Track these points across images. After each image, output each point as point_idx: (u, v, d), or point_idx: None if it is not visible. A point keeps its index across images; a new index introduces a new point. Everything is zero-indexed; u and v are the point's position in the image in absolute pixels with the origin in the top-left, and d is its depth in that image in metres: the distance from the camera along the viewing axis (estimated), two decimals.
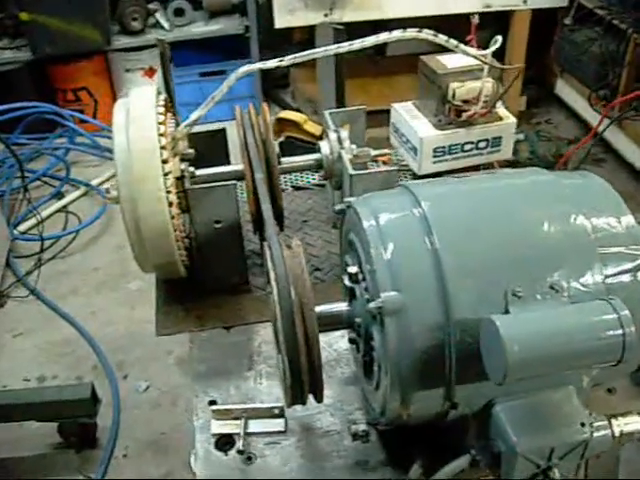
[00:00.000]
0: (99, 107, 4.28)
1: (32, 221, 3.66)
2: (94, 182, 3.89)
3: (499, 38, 1.86)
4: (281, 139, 2.48)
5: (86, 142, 4.10)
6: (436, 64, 2.17)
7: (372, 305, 1.21)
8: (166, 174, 1.73)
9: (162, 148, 1.78)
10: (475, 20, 2.14)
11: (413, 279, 1.22)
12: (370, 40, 1.77)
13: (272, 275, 1.28)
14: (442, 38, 1.72)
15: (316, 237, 2.26)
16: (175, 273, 1.92)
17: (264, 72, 4.24)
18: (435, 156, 2.19)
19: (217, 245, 1.91)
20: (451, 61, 2.18)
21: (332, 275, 2.11)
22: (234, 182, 1.87)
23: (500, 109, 2.19)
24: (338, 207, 1.51)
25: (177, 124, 1.95)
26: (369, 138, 4.32)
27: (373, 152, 2.04)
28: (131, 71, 4.28)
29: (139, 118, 1.83)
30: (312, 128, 2.45)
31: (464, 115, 2.15)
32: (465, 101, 2.15)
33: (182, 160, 1.89)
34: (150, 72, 4.25)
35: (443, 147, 2.18)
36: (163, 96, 1.97)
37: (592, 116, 3.63)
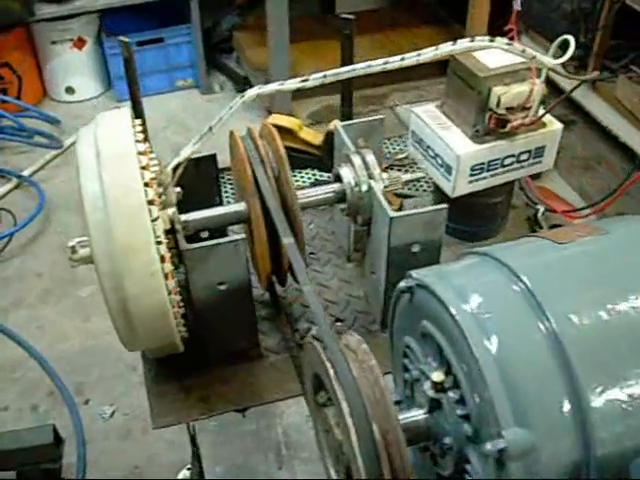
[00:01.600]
0: (24, 85, 3.77)
1: None
2: (26, 172, 3.38)
3: (570, 40, 1.48)
4: None
5: (12, 125, 3.56)
6: (474, 63, 1.76)
7: (489, 447, 0.92)
8: (158, 240, 1.31)
9: (150, 203, 1.34)
10: (517, 5, 1.73)
11: (540, 399, 0.95)
12: (427, 55, 1.37)
13: (340, 406, 0.99)
14: (517, 48, 1.32)
15: (329, 276, 1.88)
16: (172, 351, 1.52)
17: (205, 35, 3.78)
18: (472, 174, 1.80)
19: (221, 310, 1.55)
20: (492, 59, 1.77)
21: (358, 327, 1.74)
22: (242, 237, 1.46)
23: (541, 111, 1.80)
24: (402, 284, 1.19)
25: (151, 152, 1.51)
26: (324, 106, 3.91)
27: (405, 176, 1.64)
28: (58, 43, 3.80)
29: (115, 160, 1.39)
30: (309, 136, 2.05)
31: (508, 126, 1.76)
32: (509, 108, 1.75)
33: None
34: (79, 43, 3.76)
35: (482, 164, 1.79)
36: (138, 122, 1.52)
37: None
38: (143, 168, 1.41)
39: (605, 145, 3.35)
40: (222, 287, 1.52)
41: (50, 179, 3.46)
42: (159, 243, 1.38)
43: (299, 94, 3.73)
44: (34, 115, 3.63)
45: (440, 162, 1.82)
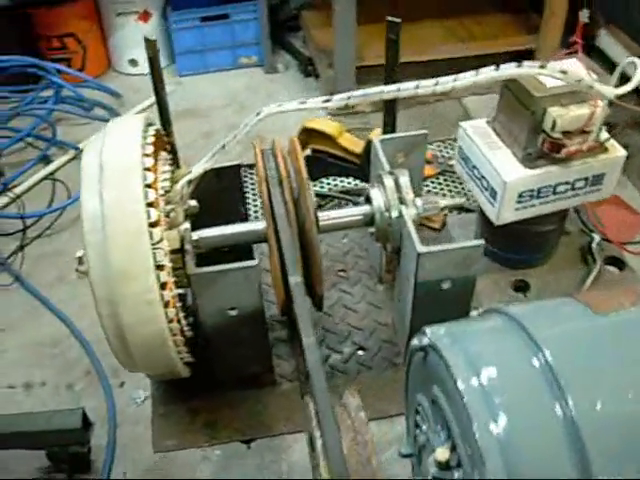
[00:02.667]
0: (88, 55, 3.70)
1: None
2: (82, 145, 3.32)
3: (637, 61, 1.31)
4: (307, 152, 1.96)
5: (72, 96, 3.52)
6: (530, 80, 1.58)
7: None
8: (159, 265, 1.22)
9: (154, 225, 1.25)
10: (584, 17, 1.55)
11: None
12: (465, 80, 1.22)
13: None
14: (572, 76, 1.17)
15: (358, 297, 1.77)
16: (174, 376, 1.45)
17: (272, 13, 3.66)
18: (520, 201, 1.65)
19: (231, 335, 1.46)
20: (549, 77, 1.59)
21: (381, 358, 1.64)
22: (254, 264, 1.35)
23: (604, 135, 1.62)
24: (415, 342, 1.12)
25: (175, 163, 1.41)
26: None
27: (443, 202, 1.50)
28: (123, 15, 3.70)
29: (118, 177, 1.30)
30: (349, 142, 1.93)
31: (563, 151, 1.58)
32: (566, 132, 1.58)
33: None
34: (144, 16, 3.69)
35: (531, 190, 1.63)
36: (153, 129, 1.41)
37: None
38: (148, 186, 1.31)
39: None
40: (233, 312, 1.43)
41: None
42: (160, 268, 1.30)
43: (366, 79, 3.56)
44: (94, 86, 3.57)
45: (485, 185, 1.66)
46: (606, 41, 3.52)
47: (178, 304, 1.39)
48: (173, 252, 1.41)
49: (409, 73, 3.58)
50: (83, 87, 3.68)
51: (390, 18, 1.75)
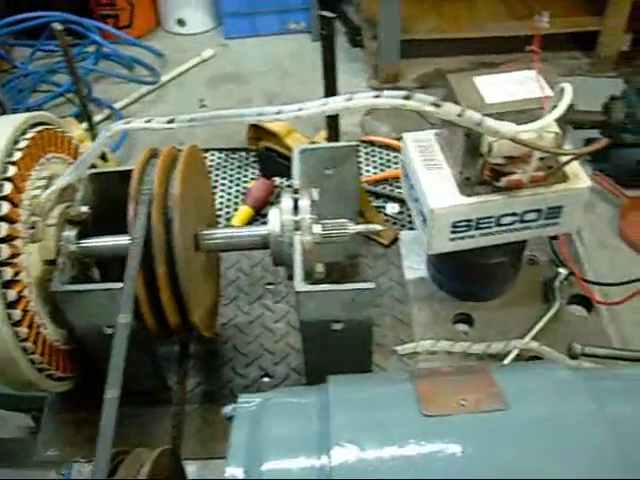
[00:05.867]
0: (136, 13, 3.64)
1: None
2: (118, 105, 3.30)
3: (568, 88, 1.11)
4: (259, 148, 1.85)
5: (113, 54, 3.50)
6: (467, 91, 1.37)
7: None
8: (10, 282, 1.15)
9: (4, 240, 1.19)
10: (542, 21, 1.34)
11: None
12: (310, 110, 1.06)
13: None
14: (445, 110, 0.99)
15: (278, 316, 1.64)
16: (46, 392, 1.38)
17: None
18: (454, 232, 1.45)
19: (108, 351, 1.33)
20: (494, 89, 1.38)
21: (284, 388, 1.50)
22: (119, 285, 1.25)
23: (568, 158, 1.39)
24: (226, 410, 1.06)
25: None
26: (435, 70, 3.51)
27: (354, 228, 1.35)
28: None
29: None
30: (297, 143, 1.77)
31: (503, 180, 1.37)
32: (510, 157, 1.36)
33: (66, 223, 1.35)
34: None
35: (468, 221, 1.42)
36: (34, 131, 1.33)
37: None
38: (3, 198, 1.23)
39: None
40: (109, 330, 1.34)
41: (141, 114, 3.37)
42: (9, 285, 1.22)
43: (410, 52, 3.36)
44: (135, 44, 3.53)
45: (420, 209, 1.48)
46: None
47: (42, 320, 1.31)
48: (49, 263, 1.34)
49: (463, 50, 3.36)
50: (128, 45, 3.65)
51: (322, 12, 1.56)
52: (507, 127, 1.19)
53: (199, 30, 3.75)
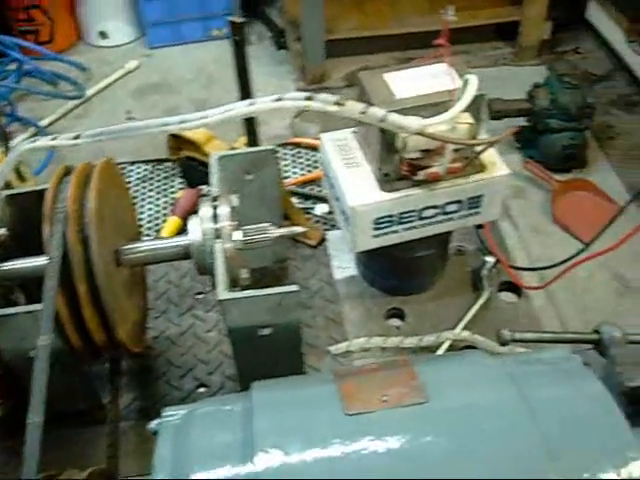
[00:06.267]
0: (56, 27, 3.55)
1: None
2: (44, 122, 3.23)
3: (472, 79, 1.12)
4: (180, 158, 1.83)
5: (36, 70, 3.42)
6: (377, 88, 1.38)
7: None
8: None
9: None
10: (448, 15, 1.35)
11: None
12: (214, 118, 1.04)
13: None
14: (348, 109, 0.99)
15: (210, 325, 1.63)
16: None
17: None
18: (377, 228, 1.45)
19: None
20: (404, 84, 1.39)
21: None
22: (39, 307, 1.23)
23: (482, 148, 1.41)
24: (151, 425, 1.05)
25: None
26: (362, 68, 3.52)
27: (277, 232, 1.34)
28: None
29: None
30: (216, 149, 1.76)
31: (421, 174, 1.39)
32: (426, 150, 1.38)
33: None
34: None
35: (390, 216, 1.43)
36: None
37: (627, 49, 2.95)
38: None
39: None
40: (33, 353, 1.31)
41: (68, 130, 3.30)
42: None
43: (336, 52, 3.36)
44: (55, 59, 3.45)
45: (341, 208, 1.48)
46: (596, 16, 3.23)
47: None
48: None
49: (388, 47, 3.38)
50: (50, 60, 3.56)
51: (232, 18, 1.56)
52: (412, 121, 1.20)
53: (122, 41, 3.68)
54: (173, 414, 1.01)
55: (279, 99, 1.09)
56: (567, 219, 2.39)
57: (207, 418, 0.99)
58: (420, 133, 1.21)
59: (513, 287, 1.73)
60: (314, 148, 2.33)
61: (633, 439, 0.92)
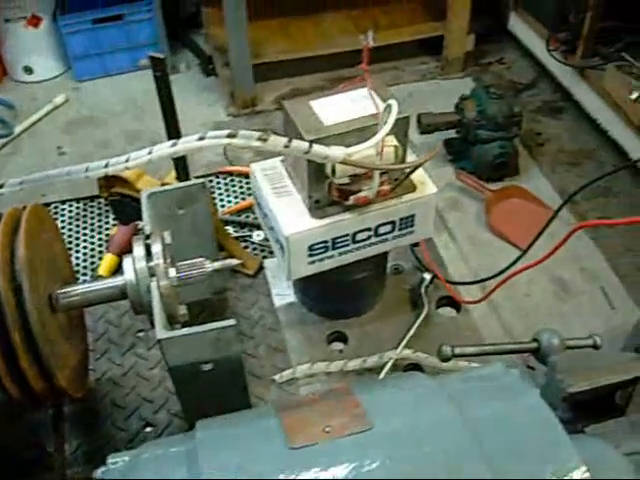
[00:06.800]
0: None
1: None
2: None
3: (393, 104, 1.14)
4: (111, 196, 1.82)
5: None
6: (304, 117, 1.39)
7: None
8: None
9: None
10: (368, 40, 1.38)
11: None
12: (140, 159, 1.04)
13: None
14: (271, 143, 1.00)
15: (153, 362, 1.61)
16: None
17: (172, 10, 3.49)
18: (312, 255, 1.47)
19: None
20: (331, 111, 1.40)
21: (168, 436, 1.47)
22: None
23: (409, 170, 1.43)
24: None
25: None
26: (292, 90, 3.55)
27: (211, 266, 1.34)
28: (12, 21, 3.50)
29: None
30: (147, 185, 1.75)
31: (351, 199, 1.40)
32: (355, 175, 1.39)
33: None
34: (34, 20, 3.50)
35: (324, 242, 1.44)
36: None
37: (549, 58, 3.03)
38: None
39: (596, 139, 2.87)
40: None
41: None
42: None
43: (265, 76, 3.38)
44: None
45: (275, 237, 1.49)
46: (518, 27, 3.32)
47: None
48: None
49: (317, 68, 3.41)
50: None
51: (152, 54, 1.56)
52: (336, 151, 1.22)
53: (48, 76, 3.64)
54: (118, 461, 1.00)
55: (201, 138, 1.09)
56: (503, 227, 2.44)
57: (153, 462, 0.98)
58: (345, 162, 1.23)
59: (453, 301, 1.75)
60: (247, 175, 2.33)
61: (572, 448, 0.94)
